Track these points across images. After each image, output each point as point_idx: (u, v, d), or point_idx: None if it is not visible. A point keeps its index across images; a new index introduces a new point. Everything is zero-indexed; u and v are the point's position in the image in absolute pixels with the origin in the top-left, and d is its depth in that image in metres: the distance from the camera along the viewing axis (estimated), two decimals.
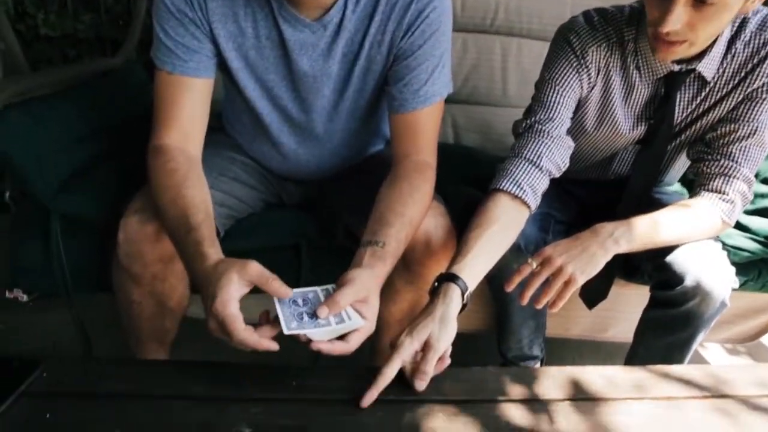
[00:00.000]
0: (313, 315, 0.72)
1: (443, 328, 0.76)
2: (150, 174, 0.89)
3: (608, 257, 0.89)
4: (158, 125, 0.92)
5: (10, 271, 1.16)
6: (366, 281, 0.76)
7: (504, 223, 0.91)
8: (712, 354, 1.67)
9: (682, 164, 1.18)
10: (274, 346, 0.70)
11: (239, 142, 1.16)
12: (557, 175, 1.00)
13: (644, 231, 0.93)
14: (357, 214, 1.01)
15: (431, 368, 0.74)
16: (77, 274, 1.13)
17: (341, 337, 0.73)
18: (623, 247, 0.90)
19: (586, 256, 0.88)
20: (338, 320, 0.72)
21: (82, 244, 1.13)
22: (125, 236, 0.92)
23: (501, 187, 0.94)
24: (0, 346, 1.48)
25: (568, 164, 1.01)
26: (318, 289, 0.77)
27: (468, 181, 1.28)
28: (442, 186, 1.00)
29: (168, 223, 0.84)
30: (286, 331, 0.70)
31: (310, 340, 0.70)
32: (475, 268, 0.85)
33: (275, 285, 0.72)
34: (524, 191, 0.94)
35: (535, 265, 0.89)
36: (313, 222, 1.18)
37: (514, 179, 0.95)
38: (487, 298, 1.27)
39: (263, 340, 0.69)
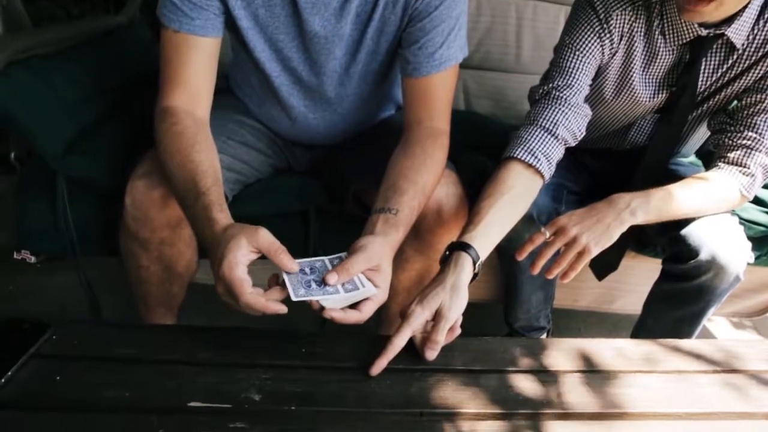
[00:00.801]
0: (321, 283, 0.71)
1: (454, 297, 0.75)
2: (157, 137, 0.87)
3: (623, 229, 0.88)
4: (165, 86, 0.89)
5: (17, 233, 1.15)
6: (378, 248, 0.75)
7: (517, 192, 0.90)
8: (718, 327, 1.68)
9: (701, 135, 1.15)
10: (283, 309, 0.69)
11: (248, 105, 1.13)
12: (573, 144, 0.97)
13: (661, 203, 0.91)
14: (366, 180, 1.00)
15: (442, 338, 0.73)
16: (84, 236, 1.13)
17: (354, 306, 0.72)
18: (639, 219, 0.89)
19: (601, 227, 0.86)
20: (349, 288, 0.71)
21: (89, 207, 1.12)
22: (132, 201, 0.91)
23: (515, 156, 0.92)
24: (10, 307, 1.49)
25: (584, 133, 0.98)
26: (326, 258, 0.76)
27: (479, 149, 1.25)
28: (455, 154, 0.98)
29: (176, 187, 0.82)
30: (294, 298, 0.69)
31: (322, 308, 0.70)
32: (487, 237, 0.83)
33: (284, 258, 0.71)
34: (538, 160, 0.92)
35: (548, 234, 0.87)
36: (321, 188, 1.17)
37: (528, 147, 0.92)
38: (495, 268, 1.27)
39: (271, 303, 0.68)
